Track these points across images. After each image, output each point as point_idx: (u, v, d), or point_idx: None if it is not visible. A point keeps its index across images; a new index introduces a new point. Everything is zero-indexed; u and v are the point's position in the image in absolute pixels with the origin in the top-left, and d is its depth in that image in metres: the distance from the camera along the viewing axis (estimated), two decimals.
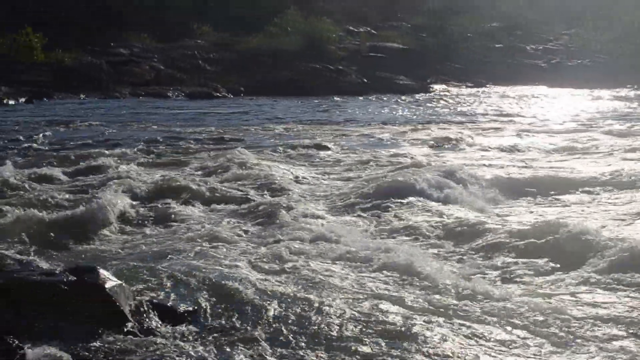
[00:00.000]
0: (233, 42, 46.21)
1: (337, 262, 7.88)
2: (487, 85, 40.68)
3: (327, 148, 17.30)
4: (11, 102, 30.41)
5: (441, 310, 6.45)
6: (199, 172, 13.66)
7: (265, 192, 11.70)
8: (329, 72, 40.10)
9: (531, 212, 10.71)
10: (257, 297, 6.62)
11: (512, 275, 7.61)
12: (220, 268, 7.41)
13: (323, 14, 49.69)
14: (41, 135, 19.55)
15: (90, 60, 39.88)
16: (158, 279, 7.03)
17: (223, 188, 11.93)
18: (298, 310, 6.38)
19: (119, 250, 8.51)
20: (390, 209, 10.54)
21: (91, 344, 5.48)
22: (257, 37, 46.50)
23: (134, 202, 10.88)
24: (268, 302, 6.53)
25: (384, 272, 7.52)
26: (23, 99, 31.33)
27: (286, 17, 48.56)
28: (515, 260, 8.06)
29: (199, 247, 8.34)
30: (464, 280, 7.18)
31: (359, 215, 10.37)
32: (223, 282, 6.92)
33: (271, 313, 6.33)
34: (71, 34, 46.54)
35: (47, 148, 17.63)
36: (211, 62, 42.94)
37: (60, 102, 31.66)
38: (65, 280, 5.92)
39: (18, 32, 40.75)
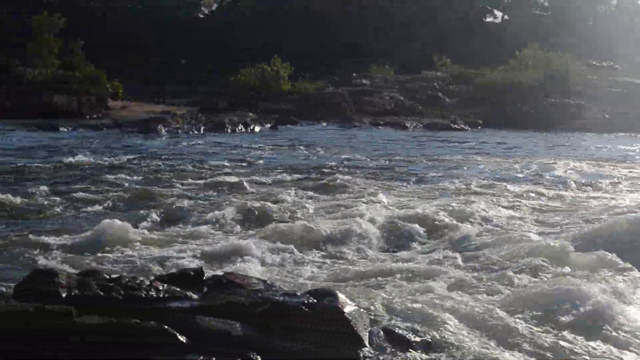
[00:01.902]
0: (472, 75, 46.03)
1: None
2: None
3: (574, 183, 16.77)
4: (257, 128, 31.88)
5: None
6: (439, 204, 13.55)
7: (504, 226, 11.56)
8: (568, 107, 38.94)
9: None
10: (499, 335, 6.52)
11: None
12: (460, 303, 7.31)
13: (564, 49, 48.43)
14: (265, 155, 20.63)
15: (332, 90, 41.11)
16: (394, 306, 7.07)
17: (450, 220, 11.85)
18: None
19: (358, 275, 8.64)
20: None
21: None
22: (497, 70, 46.05)
23: (380, 229, 11.13)
24: (512, 340, 6.43)
25: None
26: (268, 125, 32.78)
27: (527, 51, 47.75)
28: None
29: (446, 280, 8.30)
30: None
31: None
32: (459, 317, 6.85)
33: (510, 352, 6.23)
34: (316, 65, 48.22)
35: (272, 167, 18.58)
36: (450, 94, 42.98)
37: (303, 128, 32.82)
38: (306, 302, 6.07)
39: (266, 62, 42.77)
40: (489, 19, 75.36)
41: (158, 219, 11.88)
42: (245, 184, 15.46)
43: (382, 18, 65.03)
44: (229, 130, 30.38)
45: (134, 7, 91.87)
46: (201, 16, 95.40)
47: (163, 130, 29.05)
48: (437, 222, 11.56)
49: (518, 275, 8.60)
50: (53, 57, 51.29)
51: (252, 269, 8.65)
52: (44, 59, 49.93)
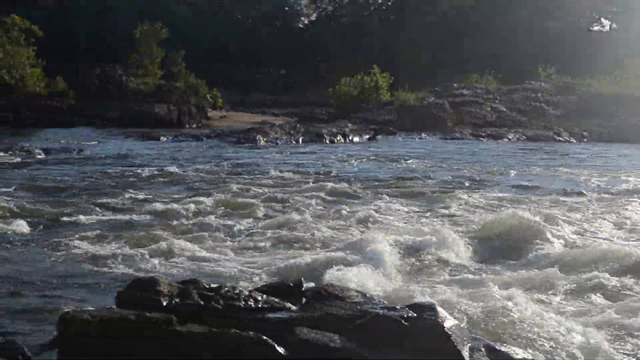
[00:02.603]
0: (577, 86, 45.04)
1: None
2: None
3: None
4: (356, 139, 31.88)
5: None
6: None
7: None
8: None
9: None
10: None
11: None
12: (561, 320, 7.04)
13: None
14: (359, 165, 20.63)
15: (432, 101, 40.82)
16: (495, 322, 6.93)
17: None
18: None
19: (457, 289, 8.49)
20: None
21: None
22: (603, 80, 44.95)
23: (468, 239, 11.00)
24: None
25: None
26: (367, 136, 32.74)
27: (637, 60, 46.43)
28: None
29: (545, 297, 8.10)
30: None
31: None
32: (560, 335, 6.64)
33: None
34: (416, 75, 48.00)
35: (363, 177, 18.63)
36: (554, 105, 42.13)
37: (401, 140, 32.67)
38: (405, 316, 5.97)
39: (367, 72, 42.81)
40: (595, 28, 73.80)
41: (248, 228, 11.99)
42: (334, 193, 15.58)
43: (485, 26, 64.39)
44: (327, 141, 30.48)
45: (234, 17, 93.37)
46: (301, 26, 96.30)
47: (262, 141, 29.32)
48: (525, 233, 11.36)
49: (618, 293, 8.37)
50: (156, 66, 52.52)
51: (350, 281, 8.59)
52: (147, 69, 51.16)
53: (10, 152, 23.25)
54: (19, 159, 22.25)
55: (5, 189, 15.64)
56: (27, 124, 39.88)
